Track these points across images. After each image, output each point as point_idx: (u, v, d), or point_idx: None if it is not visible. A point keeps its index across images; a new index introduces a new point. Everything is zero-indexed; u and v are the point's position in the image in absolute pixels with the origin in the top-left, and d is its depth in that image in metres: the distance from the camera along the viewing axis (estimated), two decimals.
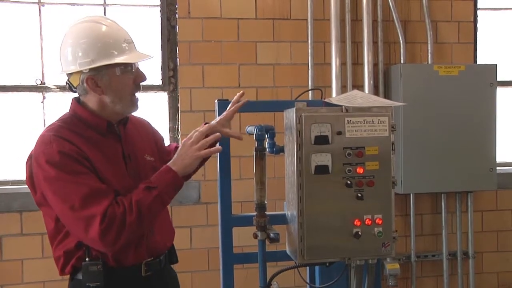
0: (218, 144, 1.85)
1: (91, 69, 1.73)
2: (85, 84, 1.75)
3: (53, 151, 1.65)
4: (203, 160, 1.84)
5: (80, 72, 1.74)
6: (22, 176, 3.29)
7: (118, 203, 1.64)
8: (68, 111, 1.83)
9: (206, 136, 1.79)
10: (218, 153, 2.21)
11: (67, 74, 1.78)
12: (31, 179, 1.72)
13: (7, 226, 3.24)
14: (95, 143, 1.75)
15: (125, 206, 1.63)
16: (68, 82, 1.79)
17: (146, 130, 2.05)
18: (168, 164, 1.75)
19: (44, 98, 3.40)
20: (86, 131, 1.76)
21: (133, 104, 1.82)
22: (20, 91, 3.39)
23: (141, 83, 1.83)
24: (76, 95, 1.84)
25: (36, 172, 1.68)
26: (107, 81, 1.75)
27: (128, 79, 1.77)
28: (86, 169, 1.66)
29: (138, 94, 1.85)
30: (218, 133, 1.80)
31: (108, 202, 1.62)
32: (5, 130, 3.41)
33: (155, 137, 2.09)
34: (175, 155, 1.77)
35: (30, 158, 1.73)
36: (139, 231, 1.71)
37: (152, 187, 1.68)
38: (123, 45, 1.75)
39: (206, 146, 1.75)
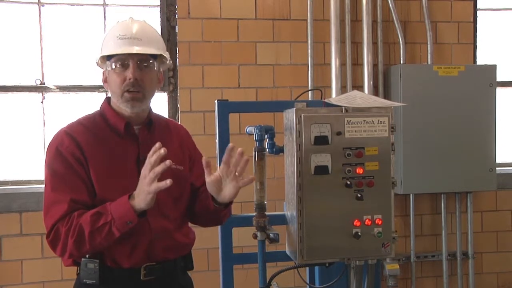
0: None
1: (98, 64, 1.84)
2: (102, 79, 1.86)
3: (53, 146, 1.74)
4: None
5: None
6: (22, 176, 3.34)
7: (68, 220, 1.64)
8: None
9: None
10: (217, 153, 2.22)
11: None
12: None
13: (7, 226, 3.24)
14: (108, 144, 1.75)
15: (71, 225, 1.63)
16: None
17: (181, 139, 1.98)
18: (130, 194, 1.64)
19: (43, 98, 3.40)
20: (103, 130, 1.79)
21: (126, 101, 1.75)
22: (20, 91, 3.39)
23: (137, 83, 1.73)
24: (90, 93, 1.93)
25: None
26: (108, 75, 1.80)
27: (117, 74, 1.75)
28: (70, 172, 1.69)
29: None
30: (167, 161, 1.57)
31: (61, 213, 1.65)
32: (5, 130, 3.40)
33: (191, 152, 1.99)
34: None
35: None
36: (89, 251, 1.68)
37: (103, 214, 1.61)
38: (117, 39, 1.75)
39: (155, 179, 1.57)
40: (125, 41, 1.74)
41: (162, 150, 1.57)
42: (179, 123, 2.21)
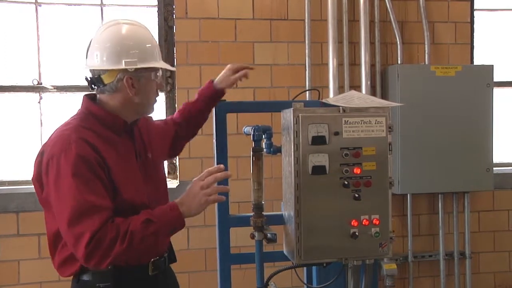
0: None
1: (130, 70, 1.73)
2: (123, 82, 1.73)
3: (72, 152, 1.62)
4: None
5: (119, 70, 1.73)
6: (19, 176, 3.34)
7: (112, 227, 1.60)
8: (80, 108, 1.82)
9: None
10: (215, 153, 2.22)
11: (98, 70, 1.76)
12: (39, 176, 1.69)
13: (4, 226, 3.23)
14: (111, 143, 1.75)
15: (119, 233, 1.60)
16: (93, 78, 1.77)
17: (142, 123, 1.98)
18: (176, 201, 1.71)
19: (41, 98, 3.39)
20: (102, 130, 1.76)
21: (153, 108, 1.89)
22: (17, 91, 3.38)
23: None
24: (87, 92, 1.86)
25: (52, 170, 1.64)
26: (143, 83, 1.78)
27: (155, 84, 1.83)
28: (97, 178, 1.64)
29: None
30: (227, 187, 1.81)
31: (101, 221, 1.59)
32: (2, 131, 3.40)
33: (149, 128, 2.01)
34: (185, 194, 1.72)
35: (40, 155, 1.70)
36: (123, 259, 1.67)
37: (152, 222, 1.64)
38: (158, 52, 1.84)
39: (216, 192, 1.72)
40: (159, 52, 1.85)
41: (229, 172, 1.78)
42: None
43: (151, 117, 2.09)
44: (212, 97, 2.22)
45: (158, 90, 1.86)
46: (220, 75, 2.23)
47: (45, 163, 1.66)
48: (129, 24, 1.81)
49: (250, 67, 2.27)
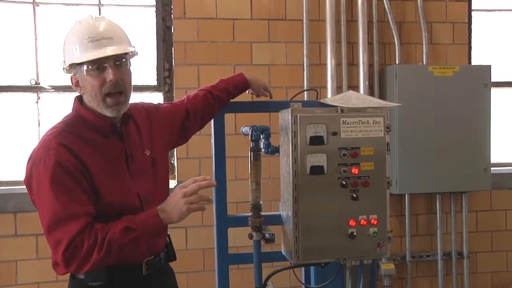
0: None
1: (68, 69, 1.76)
2: (72, 83, 1.77)
3: (51, 159, 1.63)
4: None
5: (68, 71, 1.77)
6: (17, 177, 3.34)
7: (90, 234, 1.60)
8: (71, 111, 1.80)
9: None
10: (213, 153, 2.22)
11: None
12: (29, 179, 1.71)
13: (2, 227, 3.23)
14: (97, 146, 1.73)
15: (97, 240, 1.59)
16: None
17: (143, 119, 1.94)
18: (157, 208, 1.68)
19: (38, 98, 3.39)
20: (89, 133, 1.73)
21: (109, 107, 1.71)
22: (15, 91, 3.37)
23: (118, 83, 1.70)
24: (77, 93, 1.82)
25: (34, 175, 1.67)
26: (81, 80, 1.73)
27: (94, 78, 1.68)
28: (76, 185, 1.64)
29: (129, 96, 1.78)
30: (210, 198, 1.75)
31: (79, 228, 1.59)
32: (0, 131, 3.39)
33: (152, 119, 1.96)
34: (166, 200, 1.70)
35: (30, 158, 1.72)
36: (105, 264, 1.67)
37: (132, 229, 1.63)
38: (86, 43, 1.68)
39: (198, 202, 1.67)
40: (97, 43, 1.67)
41: (214, 182, 1.77)
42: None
43: (156, 105, 2.05)
44: (241, 87, 2.20)
45: (108, 84, 1.68)
46: (253, 77, 2.23)
47: (30, 168, 1.69)
48: (81, 21, 1.76)
49: (270, 97, 2.28)
